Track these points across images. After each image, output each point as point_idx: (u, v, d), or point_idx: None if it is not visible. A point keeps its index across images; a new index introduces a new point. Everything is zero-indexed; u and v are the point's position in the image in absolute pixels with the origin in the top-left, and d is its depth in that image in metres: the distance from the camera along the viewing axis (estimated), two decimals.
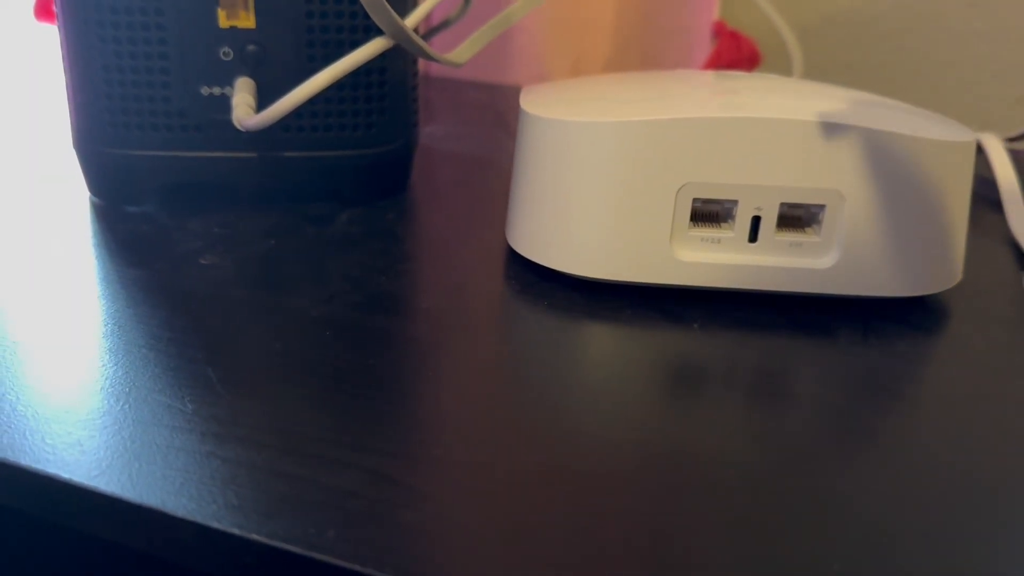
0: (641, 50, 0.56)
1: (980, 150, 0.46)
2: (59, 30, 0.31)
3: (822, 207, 0.26)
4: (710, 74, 0.34)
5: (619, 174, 0.26)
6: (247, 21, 0.31)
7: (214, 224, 0.32)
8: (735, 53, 0.51)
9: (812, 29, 0.55)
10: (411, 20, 0.29)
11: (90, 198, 0.34)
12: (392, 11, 0.28)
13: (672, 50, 0.54)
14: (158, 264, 0.28)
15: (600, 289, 0.28)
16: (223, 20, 0.30)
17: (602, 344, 0.26)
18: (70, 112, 0.32)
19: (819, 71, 0.56)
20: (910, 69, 0.55)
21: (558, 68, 0.56)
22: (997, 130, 0.55)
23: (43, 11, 0.71)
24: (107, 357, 0.23)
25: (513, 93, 0.55)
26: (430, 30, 0.39)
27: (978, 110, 0.54)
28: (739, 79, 0.33)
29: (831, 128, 0.26)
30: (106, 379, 0.22)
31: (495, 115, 0.50)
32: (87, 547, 0.33)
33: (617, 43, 0.56)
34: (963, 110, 0.55)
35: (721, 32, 0.52)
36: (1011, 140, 0.48)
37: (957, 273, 0.28)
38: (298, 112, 0.31)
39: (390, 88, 0.33)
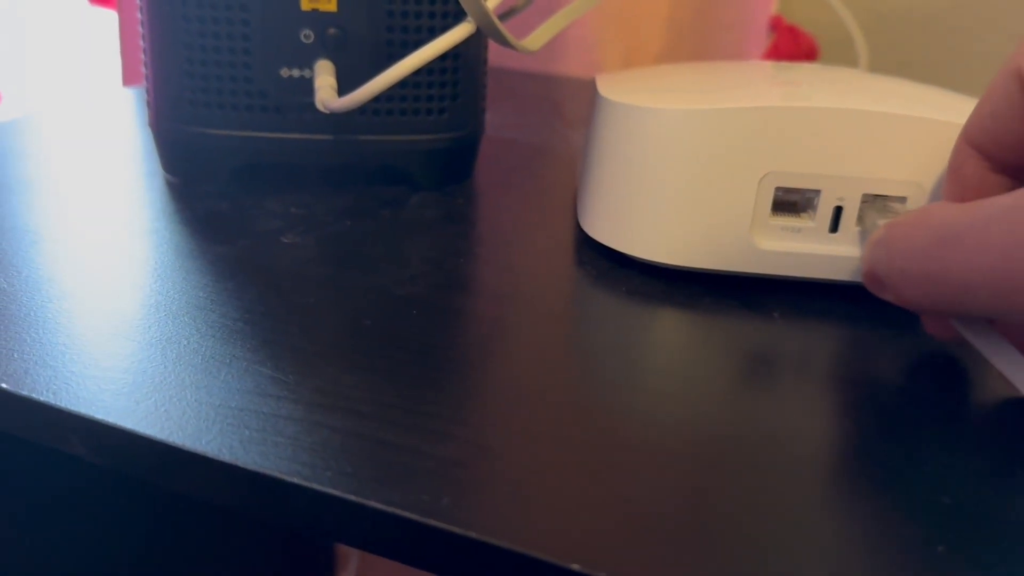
0: (694, 43, 0.56)
1: None
2: (141, 10, 0.32)
3: (903, 199, 0.27)
4: (782, 65, 0.34)
5: (702, 162, 0.27)
6: (328, 4, 0.31)
7: (290, 204, 0.32)
8: (793, 48, 0.51)
9: (867, 27, 0.55)
10: (492, 3, 0.30)
11: (164, 176, 0.34)
12: None
13: (726, 44, 0.54)
14: (242, 242, 0.29)
15: (677, 277, 0.28)
16: (305, 3, 0.31)
17: (683, 331, 0.26)
18: (148, 91, 0.33)
19: (873, 69, 0.56)
20: (966, 68, 0.55)
21: (610, 59, 0.56)
22: None
23: None
24: (204, 330, 0.23)
25: (567, 84, 0.55)
26: (500, 15, 0.39)
27: None
28: (811, 71, 0.33)
29: (912, 121, 0.26)
30: (207, 350, 0.22)
31: (551, 104, 0.51)
32: (199, 513, 0.34)
33: (670, 36, 0.56)
34: None
35: (779, 26, 0.52)
36: None
37: None
38: (374, 96, 0.31)
39: (463, 74, 0.33)
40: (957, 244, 0.20)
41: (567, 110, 0.50)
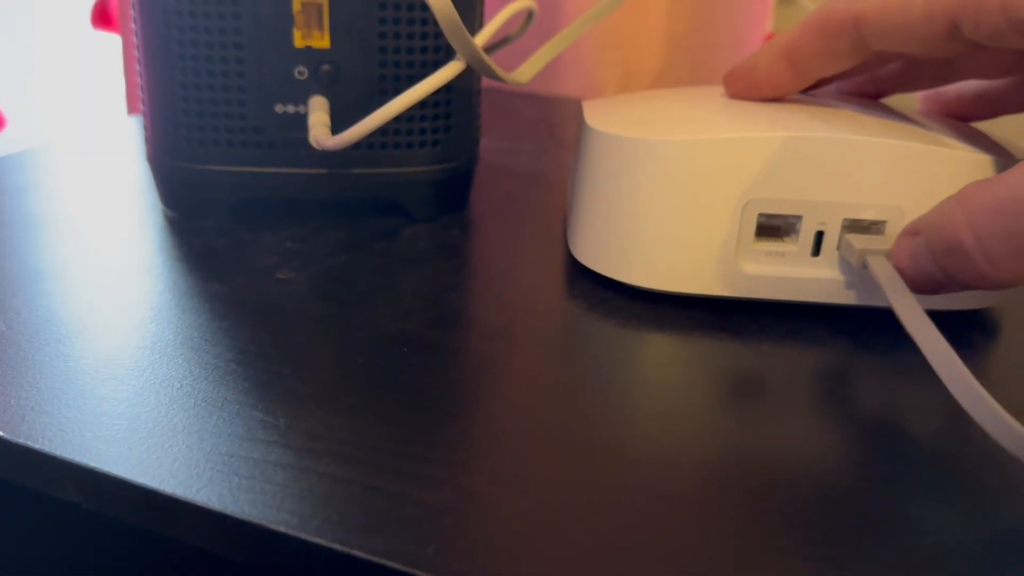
0: (691, 63, 0.56)
1: None
2: (137, 48, 0.32)
3: (884, 223, 0.27)
4: None
5: (686, 191, 0.27)
6: (322, 41, 0.31)
7: (286, 239, 0.33)
8: None
9: None
10: (480, 40, 0.30)
11: (162, 211, 0.35)
12: (469, 36, 0.29)
13: (723, 64, 0.54)
14: (237, 278, 0.29)
15: (667, 301, 0.28)
16: (298, 40, 0.31)
17: (673, 359, 0.26)
18: (146, 126, 0.33)
19: None
20: None
21: (608, 81, 0.56)
22: None
23: (100, 18, 0.73)
24: (197, 371, 0.24)
25: (563, 105, 0.56)
26: (491, 46, 0.39)
27: None
28: (803, 96, 0.33)
29: (890, 147, 0.26)
30: (199, 393, 0.23)
31: (547, 128, 0.51)
32: (183, 556, 0.34)
33: (667, 56, 0.57)
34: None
35: None
36: None
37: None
38: (367, 134, 0.31)
39: (456, 107, 0.34)
40: None
41: (563, 133, 0.50)
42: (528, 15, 0.37)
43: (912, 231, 0.24)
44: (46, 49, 0.78)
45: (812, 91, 0.33)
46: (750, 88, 0.30)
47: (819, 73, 0.28)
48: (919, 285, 0.24)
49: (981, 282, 0.23)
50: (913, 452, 0.22)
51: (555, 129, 0.51)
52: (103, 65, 0.75)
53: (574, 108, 0.55)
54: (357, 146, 0.33)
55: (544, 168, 0.43)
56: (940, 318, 0.28)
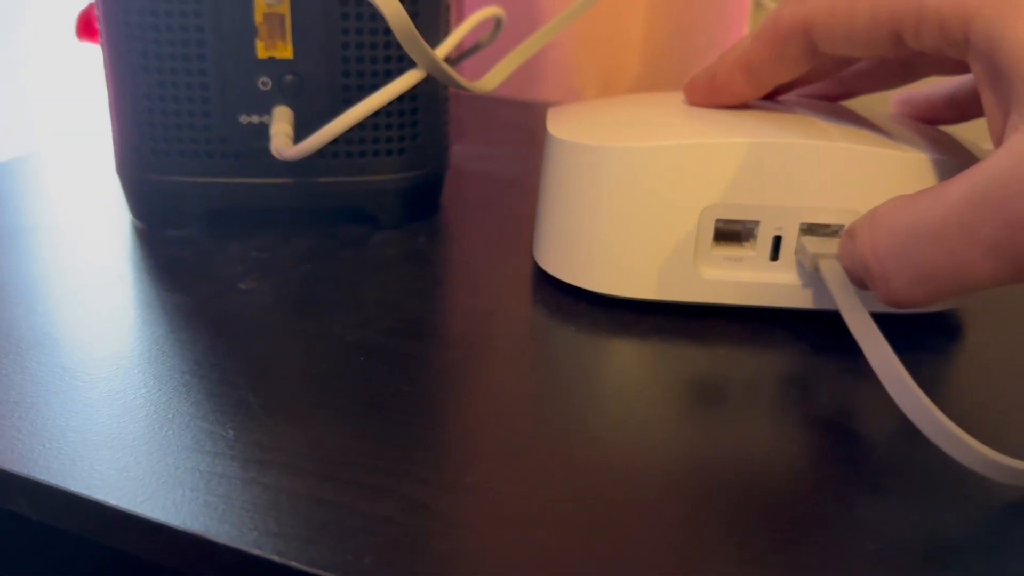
0: (671, 66, 0.56)
1: None
2: (104, 61, 0.32)
3: (840, 226, 0.27)
4: None
5: (643, 197, 0.27)
6: (285, 52, 0.31)
7: (252, 248, 0.33)
8: None
9: None
10: (442, 51, 0.30)
11: (132, 221, 0.35)
12: (426, 45, 0.29)
13: (701, 67, 0.55)
14: (199, 290, 0.29)
15: (628, 307, 0.28)
16: (261, 51, 0.31)
17: (629, 364, 0.26)
18: (114, 139, 0.33)
19: None
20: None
21: (588, 84, 0.56)
22: None
23: (84, 30, 0.73)
24: (152, 383, 0.24)
25: (543, 109, 0.55)
26: (462, 54, 0.39)
27: None
28: (766, 101, 0.33)
29: (845, 151, 0.26)
30: (151, 405, 0.23)
31: (525, 133, 0.51)
32: (131, 568, 0.34)
33: (647, 60, 0.57)
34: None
35: None
36: None
37: None
38: (327, 143, 0.32)
39: (422, 114, 0.34)
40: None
41: (541, 138, 0.50)
42: (496, 23, 0.37)
43: (850, 233, 0.25)
44: (31, 59, 0.78)
45: (775, 97, 0.33)
46: (709, 97, 0.30)
47: (775, 80, 0.28)
48: (861, 286, 0.24)
49: (890, 302, 0.23)
50: (865, 456, 0.22)
51: (533, 134, 0.51)
52: (88, 76, 0.75)
53: None
54: (323, 154, 0.33)
55: (519, 173, 0.43)
56: (904, 320, 0.28)
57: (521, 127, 0.52)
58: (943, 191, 0.22)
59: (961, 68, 0.30)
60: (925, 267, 0.22)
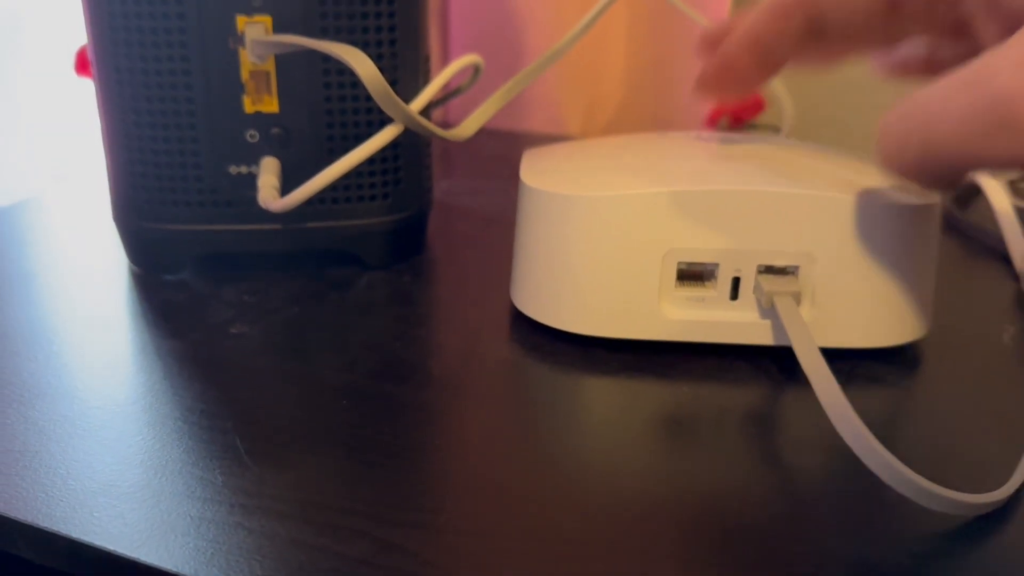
0: (651, 98, 0.58)
1: (979, 192, 0.48)
2: (99, 116, 0.34)
3: (796, 267, 0.29)
4: (702, 136, 0.36)
5: (609, 242, 0.29)
6: (271, 106, 0.33)
7: (244, 291, 0.34)
8: (740, 101, 0.53)
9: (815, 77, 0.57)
10: (416, 105, 0.32)
11: (129, 266, 0.37)
12: (401, 102, 0.30)
13: (681, 96, 0.56)
14: (192, 335, 0.31)
15: (597, 344, 0.30)
16: (248, 106, 0.33)
17: (599, 403, 0.28)
18: (110, 189, 0.35)
19: (823, 112, 0.58)
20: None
21: (572, 115, 0.58)
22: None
23: (83, 66, 0.75)
24: (146, 431, 0.25)
25: (529, 141, 0.57)
26: (443, 98, 0.41)
27: None
28: (724, 143, 0.34)
29: (799, 198, 0.28)
30: (145, 452, 0.24)
31: (510, 166, 0.53)
32: None
33: (628, 90, 0.58)
34: None
35: None
36: (1013, 181, 0.49)
37: (926, 325, 0.30)
38: (312, 195, 0.33)
39: (403, 161, 0.35)
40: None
41: None
42: (475, 69, 0.38)
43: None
44: (35, 98, 0.80)
45: (738, 135, 0.34)
46: (720, 82, 0.31)
47: (781, 57, 0.30)
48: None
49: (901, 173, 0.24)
50: (815, 488, 0.23)
51: (518, 167, 0.53)
52: (88, 113, 0.77)
53: (541, 143, 0.56)
54: (310, 201, 0.34)
55: (503, 209, 0.45)
56: (865, 355, 0.29)
57: (506, 161, 0.54)
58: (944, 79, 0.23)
59: (945, 29, 0.30)
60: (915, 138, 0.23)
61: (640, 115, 0.59)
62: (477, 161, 0.53)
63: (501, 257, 0.38)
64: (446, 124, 0.61)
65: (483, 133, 0.59)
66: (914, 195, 0.29)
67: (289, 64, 0.33)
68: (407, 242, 0.38)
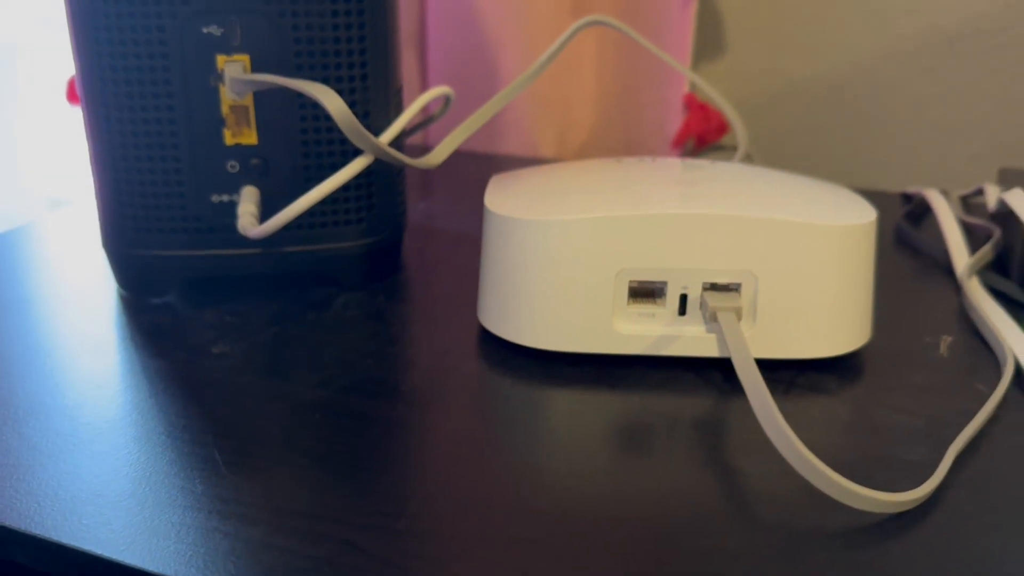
0: (621, 122, 0.60)
1: (927, 206, 0.50)
2: (88, 150, 0.36)
3: (739, 285, 0.31)
4: (659, 162, 0.38)
5: (565, 263, 0.31)
6: (250, 138, 0.35)
7: (226, 313, 0.36)
8: (704, 124, 0.55)
9: (780, 96, 0.60)
10: (386, 137, 0.34)
11: (118, 289, 0.39)
12: (369, 135, 0.32)
13: (648, 121, 0.59)
14: (176, 355, 0.33)
15: (558, 359, 0.32)
16: (229, 138, 0.35)
17: (557, 413, 0.30)
18: (99, 217, 0.37)
19: (787, 135, 0.60)
20: (872, 130, 0.59)
21: (546, 139, 0.60)
22: (956, 184, 0.59)
23: (74, 95, 0.77)
24: (132, 445, 0.27)
25: (505, 163, 0.59)
26: (417, 125, 0.43)
27: (938, 167, 0.58)
28: (675, 169, 0.37)
29: (742, 220, 0.30)
30: (131, 465, 0.26)
31: (485, 188, 0.55)
32: None
33: (599, 114, 0.61)
34: (923, 167, 0.58)
35: (691, 104, 0.57)
36: (965, 197, 0.51)
37: (864, 336, 0.32)
38: (288, 223, 0.35)
39: (377, 188, 0.38)
40: None
41: None
42: (446, 100, 0.41)
43: None
44: (29, 125, 0.82)
45: (691, 160, 0.37)
46: None
47: None
48: None
49: None
50: (758, 489, 0.25)
51: None
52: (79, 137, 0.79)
53: (516, 165, 0.59)
54: (288, 227, 0.36)
55: (476, 229, 0.47)
56: (810, 365, 0.32)
57: (482, 183, 0.56)
58: None
59: None
60: None
61: (611, 138, 0.61)
62: (455, 183, 0.55)
63: (472, 276, 0.41)
64: (425, 147, 0.64)
65: (462, 156, 0.61)
66: (851, 215, 0.31)
67: (267, 98, 0.35)
68: (382, 263, 0.40)
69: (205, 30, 0.33)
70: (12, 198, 0.82)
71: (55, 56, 0.82)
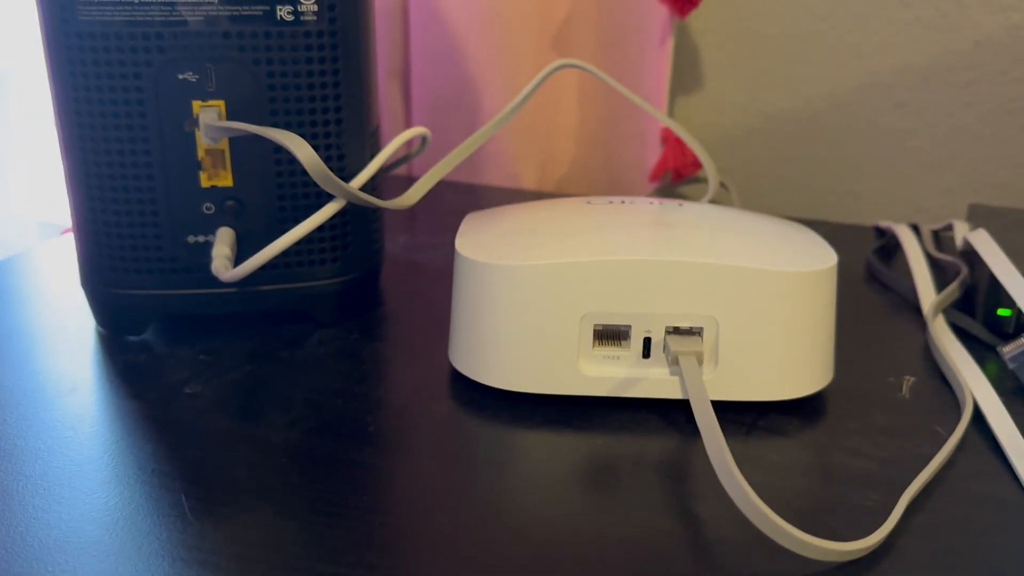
0: (600, 154, 0.61)
1: (897, 241, 0.50)
2: (67, 192, 0.37)
3: (701, 329, 0.31)
4: (628, 204, 0.39)
5: (531, 306, 0.32)
6: (226, 180, 0.36)
7: (200, 351, 0.37)
8: (681, 158, 0.56)
9: (756, 129, 0.60)
10: (358, 182, 0.34)
11: (96, 327, 0.39)
12: (340, 181, 0.33)
13: (627, 154, 0.59)
14: (150, 395, 0.33)
15: (525, 400, 0.33)
16: (204, 180, 0.36)
17: (522, 453, 0.30)
18: (78, 257, 0.38)
19: (763, 168, 0.61)
20: (846, 164, 0.60)
21: (528, 171, 0.61)
22: (929, 218, 0.60)
23: None
24: (100, 490, 0.28)
25: (487, 194, 0.60)
26: (395, 163, 0.44)
27: (911, 199, 0.59)
28: (647, 212, 0.37)
29: (703, 267, 0.31)
30: (99, 510, 0.27)
31: None
32: None
33: (579, 148, 0.61)
34: (896, 200, 0.59)
35: (668, 139, 0.58)
36: (936, 231, 0.52)
37: (825, 379, 0.33)
38: (261, 266, 0.36)
39: (351, 227, 0.38)
40: None
41: None
42: (422, 140, 0.41)
43: None
44: (16, 148, 0.83)
45: (659, 201, 0.37)
46: None
47: None
48: None
49: None
50: (714, 535, 0.26)
51: None
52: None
53: (497, 196, 0.59)
54: (264, 266, 0.37)
55: (453, 263, 0.48)
56: (772, 407, 0.32)
57: (462, 214, 0.57)
58: None
59: None
60: None
61: (590, 171, 0.62)
62: (437, 215, 0.56)
63: (447, 313, 0.41)
64: (410, 178, 0.64)
65: (444, 186, 0.62)
66: (811, 261, 0.32)
67: (243, 142, 0.35)
68: (357, 300, 0.40)
69: (181, 76, 0.34)
70: (2, 223, 0.82)
71: (45, 81, 0.83)
